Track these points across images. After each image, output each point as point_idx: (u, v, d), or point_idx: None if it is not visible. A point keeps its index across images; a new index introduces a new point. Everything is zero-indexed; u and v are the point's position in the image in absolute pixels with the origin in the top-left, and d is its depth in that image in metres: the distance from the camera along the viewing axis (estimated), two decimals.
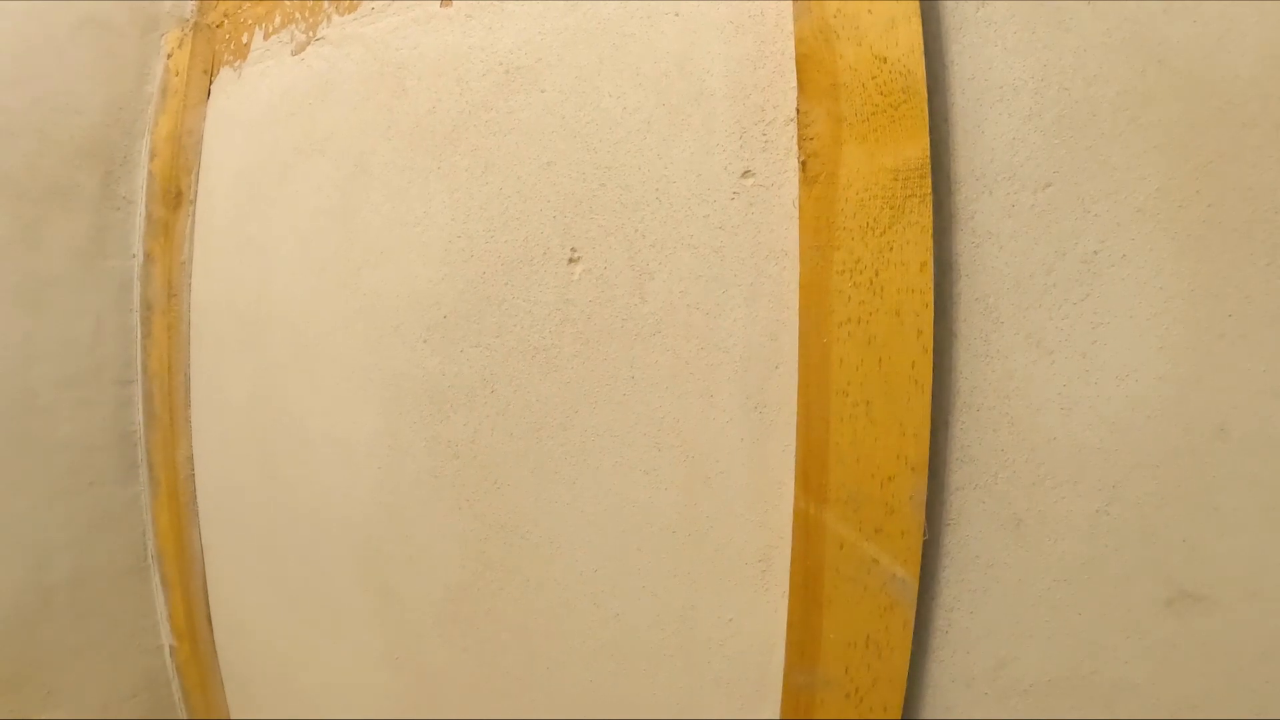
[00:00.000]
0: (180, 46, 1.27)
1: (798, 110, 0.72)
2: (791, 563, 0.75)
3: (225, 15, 1.24)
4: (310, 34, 1.12)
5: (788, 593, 0.76)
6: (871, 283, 0.68)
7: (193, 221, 1.27)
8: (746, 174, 0.77)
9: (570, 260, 0.88)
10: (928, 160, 0.66)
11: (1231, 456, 0.59)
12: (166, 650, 1.38)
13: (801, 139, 0.72)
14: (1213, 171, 0.59)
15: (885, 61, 0.68)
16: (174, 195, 1.26)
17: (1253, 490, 0.59)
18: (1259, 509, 0.58)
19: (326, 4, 1.10)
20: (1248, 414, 0.58)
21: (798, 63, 0.72)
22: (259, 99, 1.18)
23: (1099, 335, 0.63)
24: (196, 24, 1.27)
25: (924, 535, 0.68)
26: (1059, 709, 0.67)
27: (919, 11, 0.66)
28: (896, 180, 0.67)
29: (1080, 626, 0.65)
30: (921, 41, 0.66)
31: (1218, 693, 0.61)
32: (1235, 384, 0.59)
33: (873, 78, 0.68)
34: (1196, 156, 0.59)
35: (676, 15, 0.80)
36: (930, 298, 0.66)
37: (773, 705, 0.79)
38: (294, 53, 1.13)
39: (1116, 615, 0.64)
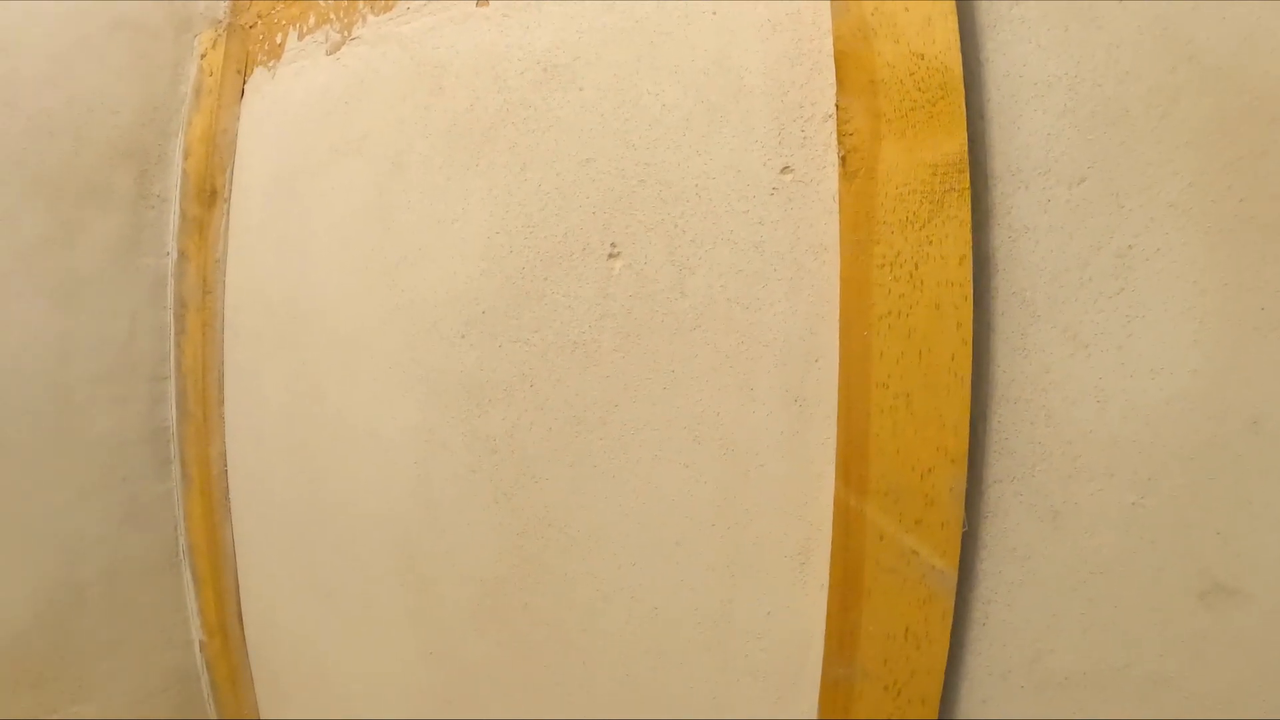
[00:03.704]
0: (214, 47, 1.28)
1: (837, 106, 0.73)
2: (831, 555, 0.75)
3: (259, 16, 1.25)
4: (345, 34, 1.13)
5: (827, 585, 0.76)
6: (911, 276, 0.69)
7: (227, 219, 1.28)
8: (785, 170, 0.78)
9: (610, 255, 0.88)
10: (965, 155, 0.67)
11: (1265, 449, 0.59)
12: (197, 645, 1.39)
13: (841, 135, 0.73)
14: (1243, 167, 0.59)
15: (922, 58, 0.69)
16: (208, 194, 1.27)
17: None
18: None
19: (362, 4, 1.11)
20: None
21: (836, 60, 0.73)
22: (294, 99, 1.19)
23: (1133, 329, 0.64)
24: (230, 25, 1.28)
25: (963, 527, 0.69)
26: (1093, 702, 0.67)
27: (954, 9, 0.67)
28: (935, 175, 0.68)
29: (1115, 619, 0.66)
30: (958, 39, 0.67)
31: (1251, 686, 0.61)
32: (1268, 377, 0.59)
33: (910, 74, 0.69)
34: (1227, 152, 0.60)
35: (714, 14, 0.81)
36: (969, 291, 0.67)
37: (810, 698, 0.79)
38: (329, 52, 1.14)
39: (1151, 608, 0.64)
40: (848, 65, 0.72)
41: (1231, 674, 0.62)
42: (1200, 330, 0.61)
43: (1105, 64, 0.64)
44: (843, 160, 0.73)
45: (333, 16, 1.15)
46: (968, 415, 0.68)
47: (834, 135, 0.75)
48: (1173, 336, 0.62)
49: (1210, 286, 0.61)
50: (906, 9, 0.69)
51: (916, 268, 0.69)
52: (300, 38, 1.19)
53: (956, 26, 0.67)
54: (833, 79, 0.74)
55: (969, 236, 0.67)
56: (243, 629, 1.34)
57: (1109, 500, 0.65)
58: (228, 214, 1.28)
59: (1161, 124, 0.62)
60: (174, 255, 1.32)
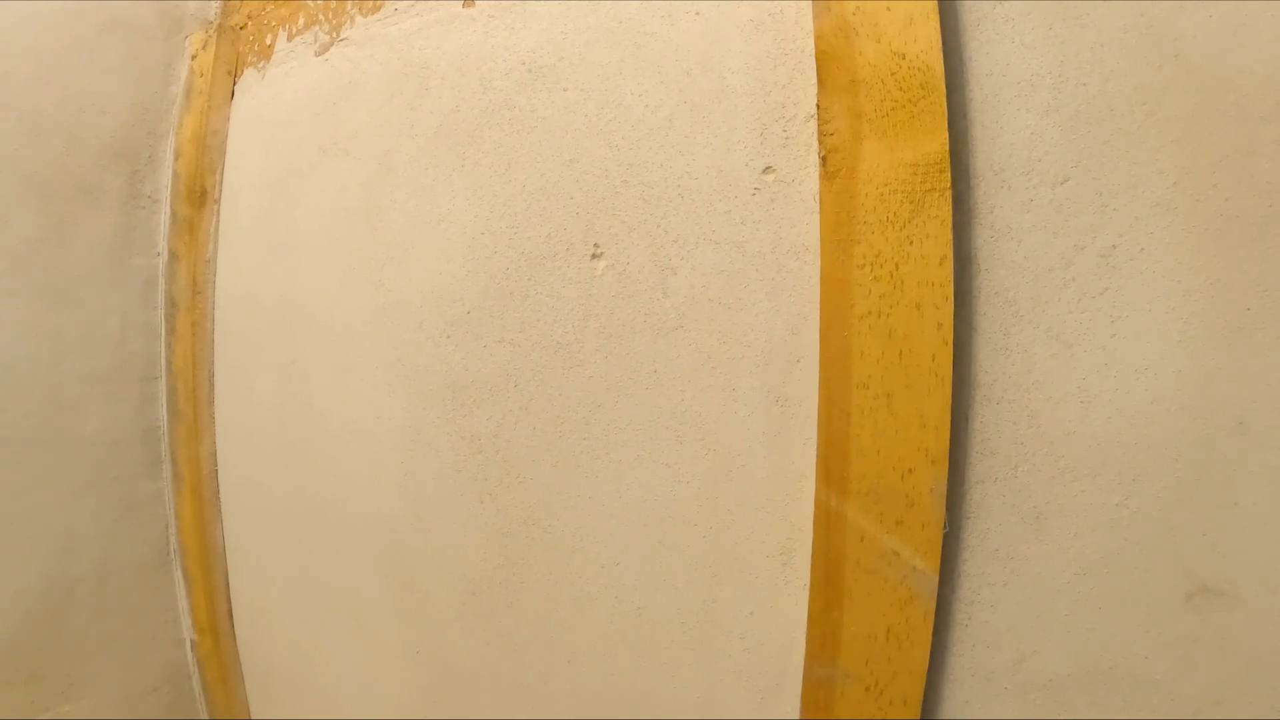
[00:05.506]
0: (204, 48, 1.29)
1: (818, 106, 0.73)
2: (812, 555, 0.75)
3: (249, 17, 1.26)
4: (334, 35, 1.13)
5: (808, 585, 0.76)
6: (892, 276, 0.69)
7: (217, 220, 1.28)
8: (767, 170, 0.78)
9: (593, 256, 0.88)
10: (947, 155, 0.67)
11: (1251, 450, 0.59)
12: (188, 644, 1.39)
13: (822, 134, 0.73)
14: (1229, 165, 0.59)
15: (904, 58, 0.68)
16: (199, 194, 1.28)
17: (1272, 484, 0.59)
18: (1278, 503, 0.59)
19: (350, 5, 1.11)
20: (1267, 408, 0.59)
21: (818, 60, 0.73)
22: (283, 99, 1.19)
23: (1118, 329, 0.63)
24: (220, 26, 1.29)
25: (944, 528, 0.69)
26: (1078, 704, 0.67)
27: (937, 9, 0.67)
28: (916, 175, 0.68)
29: (1100, 621, 0.65)
30: (939, 38, 0.67)
31: (1238, 689, 0.61)
32: (1254, 378, 0.59)
33: (892, 74, 0.69)
34: (1213, 151, 0.60)
35: (697, 14, 0.81)
36: (950, 291, 0.67)
37: (793, 698, 0.79)
38: (318, 53, 1.15)
39: (1136, 610, 0.64)
40: (829, 65, 0.72)
41: (1218, 676, 0.62)
42: (1185, 330, 0.61)
43: (1090, 63, 0.64)
44: (823, 160, 0.73)
45: (321, 18, 1.15)
46: (949, 415, 0.67)
47: (815, 135, 0.75)
48: (1157, 336, 0.62)
49: (1196, 286, 0.61)
50: (888, 8, 0.69)
51: (897, 268, 0.69)
52: (290, 39, 1.19)
53: (938, 26, 0.67)
54: (814, 79, 0.74)
55: (950, 236, 0.67)
56: (233, 628, 1.34)
57: (1093, 501, 0.65)
58: (218, 214, 1.28)
59: (1147, 122, 0.62)
60: (165, 255, 1.33)
